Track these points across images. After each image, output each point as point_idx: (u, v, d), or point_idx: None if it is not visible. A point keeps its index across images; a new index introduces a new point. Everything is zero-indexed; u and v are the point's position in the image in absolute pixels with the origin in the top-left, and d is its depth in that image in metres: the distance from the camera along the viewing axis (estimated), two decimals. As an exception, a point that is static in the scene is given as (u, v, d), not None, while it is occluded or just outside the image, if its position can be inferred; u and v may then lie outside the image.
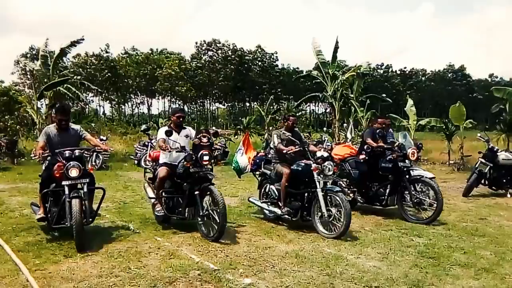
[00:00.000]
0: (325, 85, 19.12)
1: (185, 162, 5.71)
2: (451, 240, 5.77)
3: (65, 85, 17.76)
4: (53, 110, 17.06)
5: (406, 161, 7.00)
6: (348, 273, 4.42)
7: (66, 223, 5.11)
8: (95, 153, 5.63)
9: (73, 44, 17.57)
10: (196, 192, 5.61)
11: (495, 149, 9.86)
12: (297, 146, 6.36)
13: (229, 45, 78.94)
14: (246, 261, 4.76)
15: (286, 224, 6.54)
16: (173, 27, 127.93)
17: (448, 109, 16.67)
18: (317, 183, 5.91)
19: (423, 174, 7.20)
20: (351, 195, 7.51)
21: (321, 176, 5.97)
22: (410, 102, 18.89)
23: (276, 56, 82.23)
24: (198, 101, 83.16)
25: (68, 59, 60.97)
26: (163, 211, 5.99)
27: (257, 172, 7.36)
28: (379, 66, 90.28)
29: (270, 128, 25.17)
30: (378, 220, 6.96)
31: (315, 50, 18.97)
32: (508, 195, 9.47)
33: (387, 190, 7.13)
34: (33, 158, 5.53)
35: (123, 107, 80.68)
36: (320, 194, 5.87)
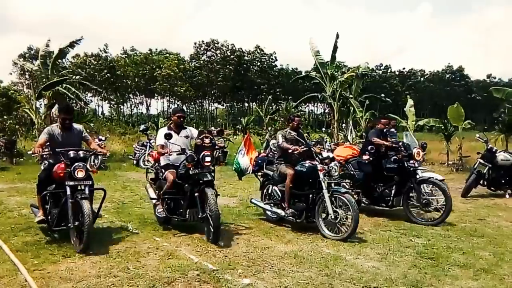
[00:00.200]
0: (324, 85, 19.12)
1: (186, 163, 5.66)
2: (450, 240, 5.78)
3: (64, 85, 17.74)
4: (52, 110, 17.14)
5: (411, 161, 6.92)
6: (347, 273, 4.42)
7: (69, 225, 5.01)
8: (93, 154, 5.56)
9: (72, 44, 17.58)
10: (196, 194, 5.54)
11: (493, 150, 9.87)
12: (303, 147, 6.28)
13: (228, 46, 79.04)
14: (245, 262, 4.76)
15: (288, 225, 6.50)
16: (173, 27, 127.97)
17: (446, 110, 16.69)
18: (323, 184, 5.84)
19: (432, 176, 7.04)
20: (355, 196, 7.27)
21: (326, 177, 5.91)
22: (410, 102, 18.90)
23: (275, 57, 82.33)
24: (197, 101, 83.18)
25: (67, 59, 60.95)
26: (164, 213, 5.95)
27: (259, 173, 7.26)
28: (378, 67, 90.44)
29: (269, 128, 25.16)
30: (377, 220, 6.96)
31: (313, 51, 18.97)
32: (507, 196, 9.47)
33: (393, 191, 7.05)
34: (32, 155, 5.49)
35: (122, 107, 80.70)
36: (326, 195, 5.77)
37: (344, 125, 20.21)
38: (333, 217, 5.70)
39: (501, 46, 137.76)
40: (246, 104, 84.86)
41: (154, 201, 6.26)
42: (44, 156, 5.57)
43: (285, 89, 77.68)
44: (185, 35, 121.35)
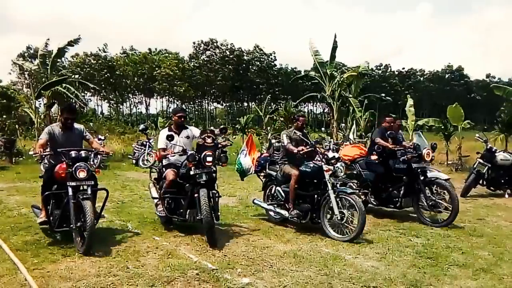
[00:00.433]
0: (323, 85, 19.12)
1: (187, 162, 5.62)
2: (449, 240, 5.78)
3: (63, 85, 17.73)
4: (52, 109, 17.15)
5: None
6: (346, 273, 4.42)
7: (71, 226, 4.91)
8: (93, 153, 5.51)
9: (70, 43, 17.53)
10: (196, 194, 5.46)
11: (493, 150, 9.88)
12: (308, 147, 6.22)
13: (227, 45, 79.04)
14: (244, 261, 4.76)
15: (288, 224, 6.49)
16: (172, 26, 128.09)
17: (446, 110, 16.70)
18: (329, 185, 5.78)
19: (438, 175, 6.96)
20: (362, 196, 7.16)
21: (332, 177, 5.85)
22: (410, 101, 18.90)
23: (274, 56, 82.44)
24: (196, 101, 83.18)
25: (66, 58, 60.96)
26: (164, 212, 5.91)
27: (261, 174, 7.18)
28: (378, 67, 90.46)
29: (268, 128, 25.16)
30: (376, 220, 6.96)
31: (312, 50, 18.96)
32: (506, 196, 9.49)
33: (401, 192, 6.93)
34: (33, 155, 5.44)
35: (121, 106, 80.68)
36: (332, 195, 5.70)
37: (343, 124, 20.19)
38: (338, 217, 5.64)
39: (501, 46, 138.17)
40: (246, 104, 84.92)
41: (155, 200, 6.19)
42: (44, 156, 5.51)
43: (285, 88, 77.75)
44: (184, 35, 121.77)
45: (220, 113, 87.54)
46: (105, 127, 34.42)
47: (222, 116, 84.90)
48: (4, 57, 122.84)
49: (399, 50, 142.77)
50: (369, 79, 58.80)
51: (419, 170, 6.73)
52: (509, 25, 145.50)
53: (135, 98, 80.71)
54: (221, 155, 5.93)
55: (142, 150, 14.78)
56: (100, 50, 72.35)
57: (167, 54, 77.47)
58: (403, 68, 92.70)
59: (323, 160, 6.02)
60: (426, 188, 6.68)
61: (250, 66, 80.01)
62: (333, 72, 18.95)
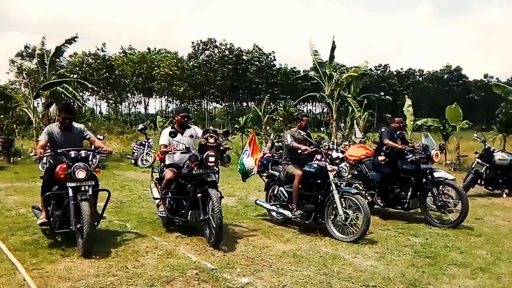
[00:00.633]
0: (322, 85, 19.12)
1: (189, 163, 5.57)
2: (447, 239, 5.80)
3: (62, 84, 17.69)
4: (50, 109, 17.12)
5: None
6: (345, 272, 4.43)
7: (71, 227, 4.85)
8: (92, 153, 5.45)
9: (68, 42, 17.43)
10: (199, 195, 5.41)
11: (491, 150, 9.91)
12: (312, 147, 6.19)
13: (226, 45, 79.03)
14: (244, 261, 4.76)
15: (289, 224, 6.49)
16: (171, 26, 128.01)
17: (445, 110, 16.73)
18: (333, 185, 5.75)
19: (445, 176, 6.89)
20: (369, 198, 7.11)
21: (336, 178, 5.83)
22: (408, 102, 18.92)
23: (274, 56, 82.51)
24: (195, 101, 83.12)
25: (65, 57, 60.79)
26: (165, 212, 5.82)
27: (264, 174, 7.13)
28: (377, 67, 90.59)
29: (267, 128, 25.16)
30: (375, 219, 6.95)
31: (312, 50, 18.96)
32: (504, 195, 9.52)
33: (409, 193, 6.87)
34: (33, 157, 5.39)
35: (119, 106, 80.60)
36: (336, 196, 5.67)
37: (342, 124, 20.21)
38: (343, 218, 5.61)
39: (500, 47, 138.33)
40: (245, 104, 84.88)
41: (157, 201, 6.13)
42: (44, 157, 5.45)
43: (284, 88, 77.79)
44: (184, 35, 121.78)
45: (219, 113, 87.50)
46: (104, 127, 34.39)
47: (221, 116, 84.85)
48: (3, 57, 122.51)
49: (398, 50, 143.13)
50: (368, 79, 58.94)
51: (427, 171, 6.69)
52: (509, 25, 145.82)
53: (134, 97, 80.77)
54: (223, 155, 5.89)
55: (141, 150, 14.77)
56: (98, 49, 72.39)
57: (166, 54, 77.43)
58: (402, 69, 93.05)
59: (327, 160, 5.98)
60: (434, 188, 6.63)
61: (249, 66, 79.99)
62: (332, 72, 18.96)
